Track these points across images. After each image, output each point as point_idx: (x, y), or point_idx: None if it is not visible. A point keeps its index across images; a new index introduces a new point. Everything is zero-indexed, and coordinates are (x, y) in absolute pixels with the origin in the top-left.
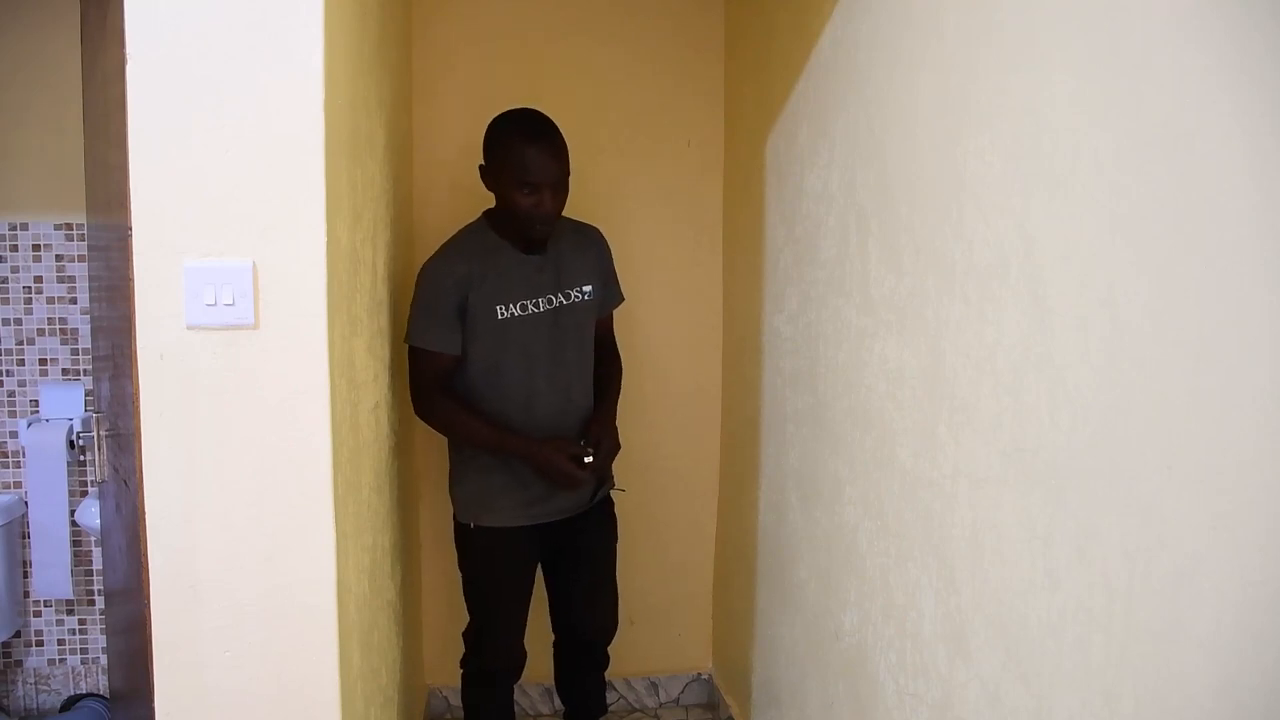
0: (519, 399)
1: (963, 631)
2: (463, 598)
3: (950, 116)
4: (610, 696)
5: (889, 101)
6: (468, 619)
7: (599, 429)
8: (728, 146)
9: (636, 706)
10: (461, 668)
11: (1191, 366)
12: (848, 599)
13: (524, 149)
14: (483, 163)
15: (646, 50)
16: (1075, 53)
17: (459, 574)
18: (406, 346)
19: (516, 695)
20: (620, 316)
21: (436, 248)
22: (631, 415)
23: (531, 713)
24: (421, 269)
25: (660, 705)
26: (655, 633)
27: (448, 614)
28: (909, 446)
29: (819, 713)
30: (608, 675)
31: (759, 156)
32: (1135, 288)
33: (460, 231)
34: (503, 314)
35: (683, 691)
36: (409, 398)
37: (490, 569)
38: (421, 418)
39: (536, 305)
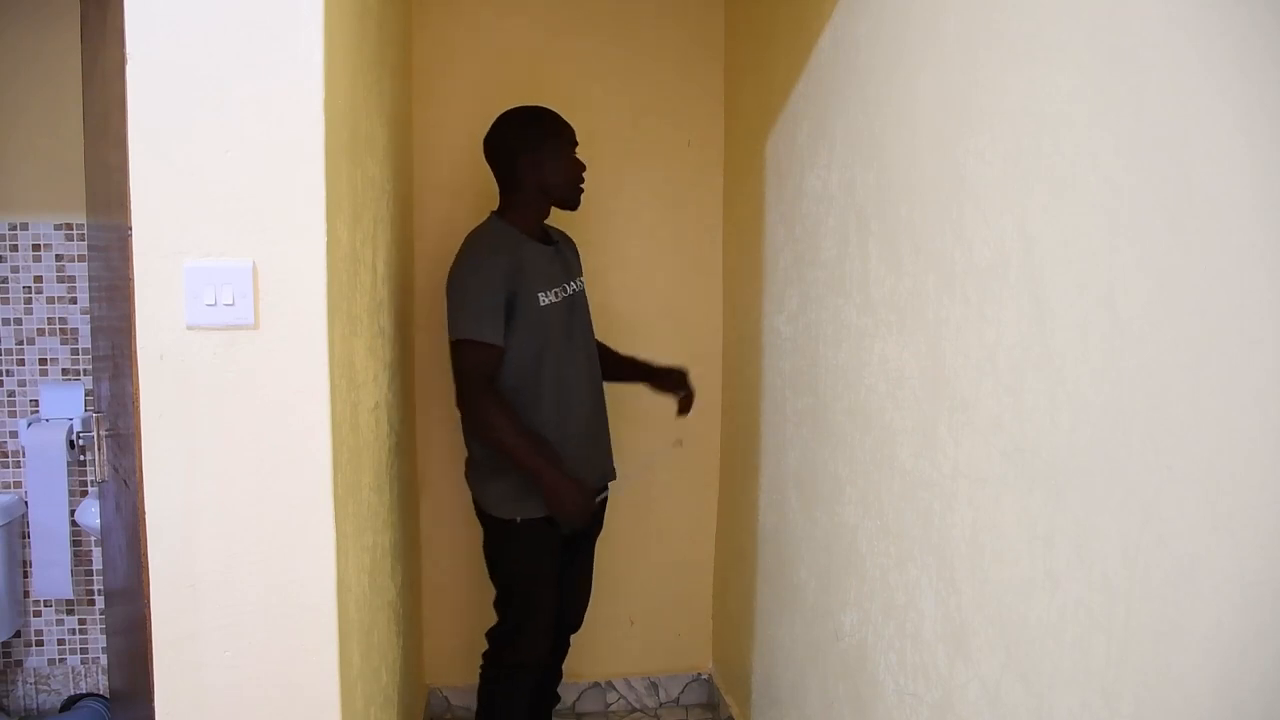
0: (557, 390)
1: (963, 631)
2: (495, 595)
3: (950, 116)
4: (610, 696)
5: (889, 101)
6: (487, 617)
7: (671, 371)
8: (728, 146)
9: (636, 706)
10: (490, 666)
11: (1191, 366)
12: (848, 599)
13: (557, 118)
14: (522, 155)
15: (647, 50)
16: (1075, 53)
17: (486, 574)
18: (450, 342)
19: None
20: (620, 316)
21: (437, 247)
22: (632, 415)
23: None
24: (461, 266)
25: (660, 705)
26: (655, 633)
27: (448, 614)
28: (909, 446)
29: (819, 713)
30: (608, 675)
31: (759, 156)
32: (1135, 288)
33: (483, 230)
34: (544, 301)
35: (683, 691)
36: (408, 397)
37: (537, 560)
38: (468, 413)
39: (560, 293)
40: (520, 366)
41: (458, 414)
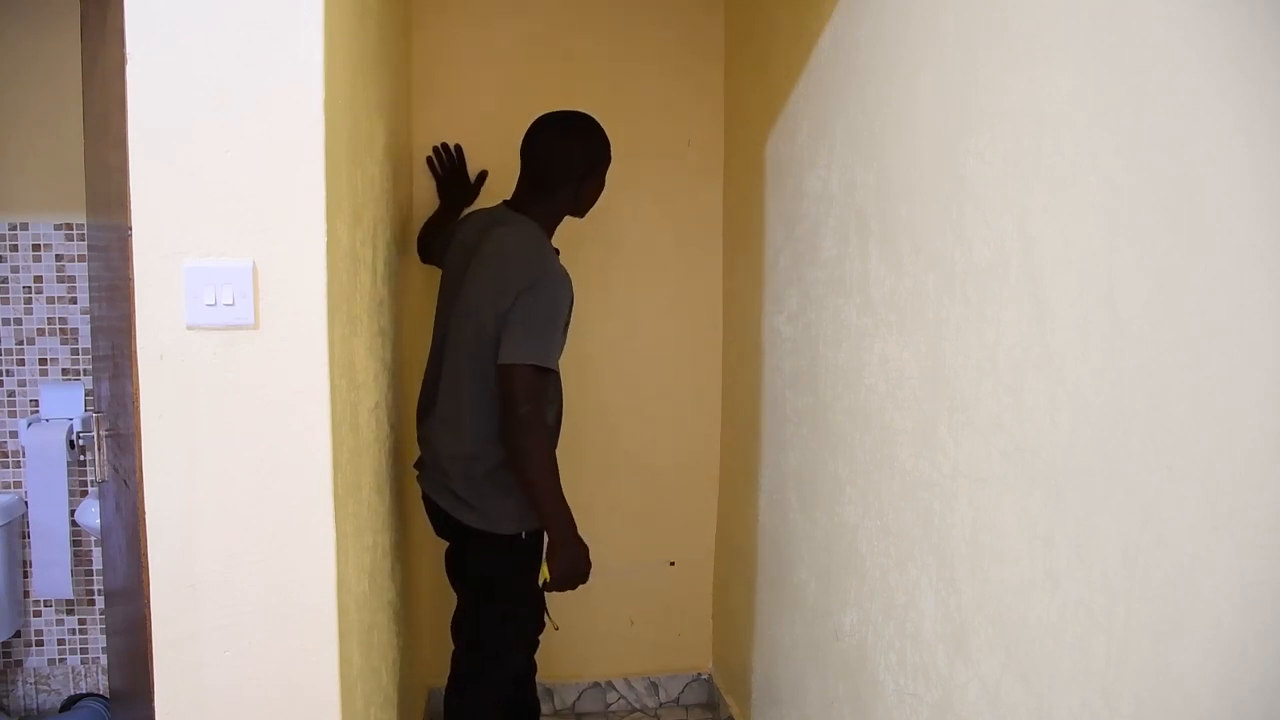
0: (559, 414)
1: (963, 631)
2: (495, 617)
3: (950, 116)
4: (610, 696)
5: (889, 102)
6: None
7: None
8: (728, 147)
9: (636, 706)
10: (471, 688)
11: (1191, 366)
12: (848, 599)
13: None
14: (584, 166)
15: (647, 51)
16: (1075, 53)
17: (496, 597)
18: (518, 367)
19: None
20: (620, 316)
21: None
22: (632, 415)
23: None
24: (545, 283)
25: (660, 705)
26: (655, 633)
27: (447, 614)
28: (909, 446)
29: (819, 713)
30: (608, 675)
31: (759, 157)
32: (1135, 288)
33: (539, 240)
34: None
35: (683, 691)
36: (407, 398)
37: (534, 570)
38: (528, 449)
39: None
40: (551, 390)
41: (467, 425)
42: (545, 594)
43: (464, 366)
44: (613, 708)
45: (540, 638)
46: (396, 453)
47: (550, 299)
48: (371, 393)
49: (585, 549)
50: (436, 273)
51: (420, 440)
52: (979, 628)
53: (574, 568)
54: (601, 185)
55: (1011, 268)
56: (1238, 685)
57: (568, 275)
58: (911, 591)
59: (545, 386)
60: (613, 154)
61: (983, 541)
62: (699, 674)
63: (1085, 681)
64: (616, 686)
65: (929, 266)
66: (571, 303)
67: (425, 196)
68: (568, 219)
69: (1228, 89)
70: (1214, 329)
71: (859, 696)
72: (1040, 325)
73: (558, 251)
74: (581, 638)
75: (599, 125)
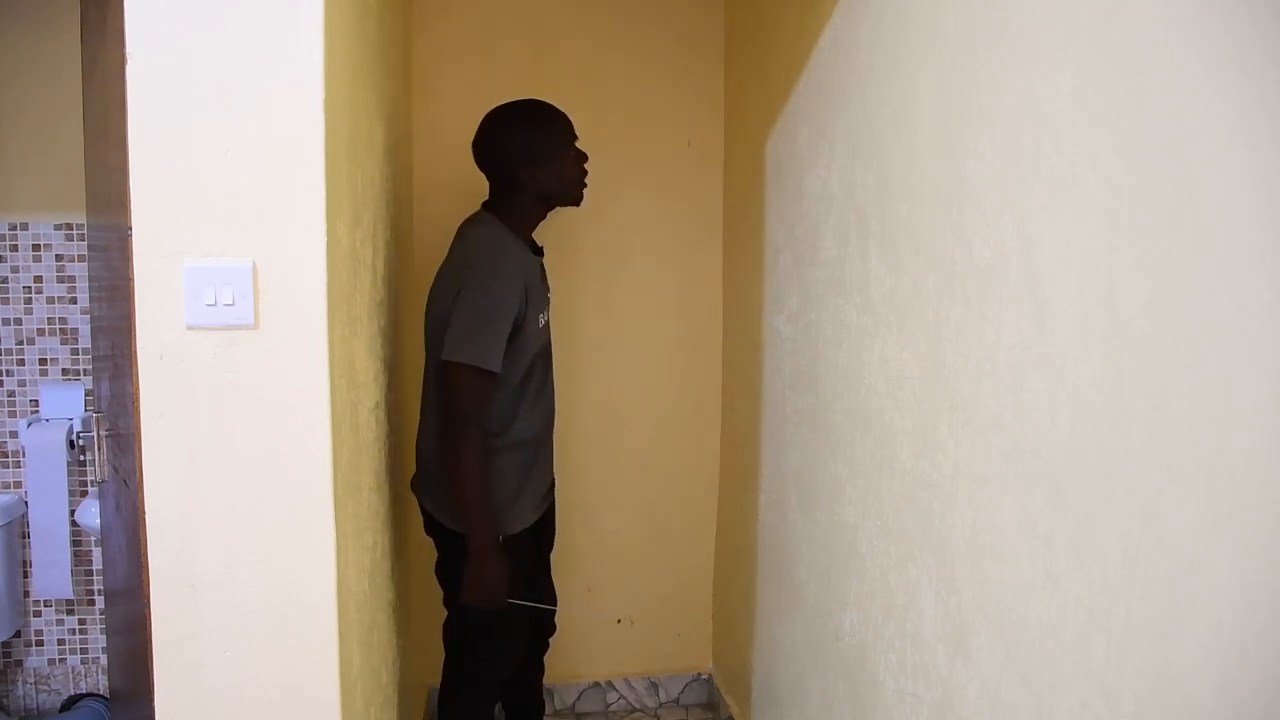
0: (547, 418)
1: (963, 631)
2: (455, 615)
3: (950, 116)
4: (610, 696)
5: (889, 102)
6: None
7: None
8: (728, 147)
9: (636, 706)
10: (462, 691)
11: (1191, 366)
12: (848, 599)
13: (553, 113)
14: (522, 165)
15: (647, 51)
16: (1075, 52)
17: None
18: (455, 366)
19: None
20: (621, 316)
21: (436, 248)
22: (632, 415)
23: None
24: (476, 282)
25: (660, 705)
26: (655, 633)
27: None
28: (909, 446)
29: (819, 713)
30: (608, 675)
31: (759, 157)
32: (1135, 288)
33: (490, 238)
34: (541, 321)
35: (683, 691)
36: (407, 398)
37: (515, 575)
38: (450, 439)
39: (548, 313)
40: (512, 385)
41: (435, 425)
42: (534, 593)
43: (431, 367)
44: (613, 708)
45: (551, 640)
46: (396, 453)
47: (490, 298)
48: (371, 393)
49: (504, 569)
50: (435, 272)
51: (415, 442)
52: (979, 628)
53: (485, 586)
54: (569, 167)
55: (1011, 268)
56: (1238, 685)
57: (521, 274)
58: (911, 591)
59: (486, 388)
60: (611, 153)
61: (983, 541)
62: (699, 674)
63: (1085, 681)
64: (616, 686)
65: (929, 266)
66: (524, 303)
67: (425, 196)
68: (569, 210)
69: (1228, 89)
70: (1214, 329)
71: (859, 696)
72: (1040, 325)
73: (541, 251)
74: (581, 638)
75: (542, 107)
